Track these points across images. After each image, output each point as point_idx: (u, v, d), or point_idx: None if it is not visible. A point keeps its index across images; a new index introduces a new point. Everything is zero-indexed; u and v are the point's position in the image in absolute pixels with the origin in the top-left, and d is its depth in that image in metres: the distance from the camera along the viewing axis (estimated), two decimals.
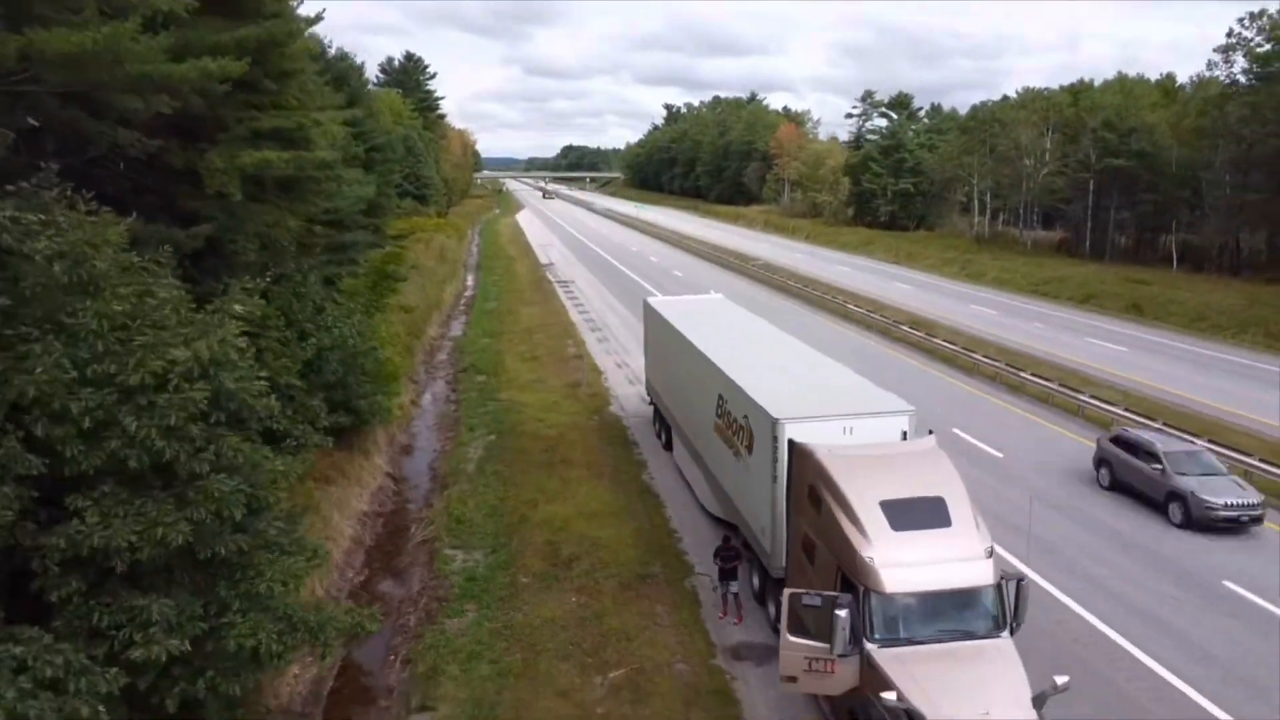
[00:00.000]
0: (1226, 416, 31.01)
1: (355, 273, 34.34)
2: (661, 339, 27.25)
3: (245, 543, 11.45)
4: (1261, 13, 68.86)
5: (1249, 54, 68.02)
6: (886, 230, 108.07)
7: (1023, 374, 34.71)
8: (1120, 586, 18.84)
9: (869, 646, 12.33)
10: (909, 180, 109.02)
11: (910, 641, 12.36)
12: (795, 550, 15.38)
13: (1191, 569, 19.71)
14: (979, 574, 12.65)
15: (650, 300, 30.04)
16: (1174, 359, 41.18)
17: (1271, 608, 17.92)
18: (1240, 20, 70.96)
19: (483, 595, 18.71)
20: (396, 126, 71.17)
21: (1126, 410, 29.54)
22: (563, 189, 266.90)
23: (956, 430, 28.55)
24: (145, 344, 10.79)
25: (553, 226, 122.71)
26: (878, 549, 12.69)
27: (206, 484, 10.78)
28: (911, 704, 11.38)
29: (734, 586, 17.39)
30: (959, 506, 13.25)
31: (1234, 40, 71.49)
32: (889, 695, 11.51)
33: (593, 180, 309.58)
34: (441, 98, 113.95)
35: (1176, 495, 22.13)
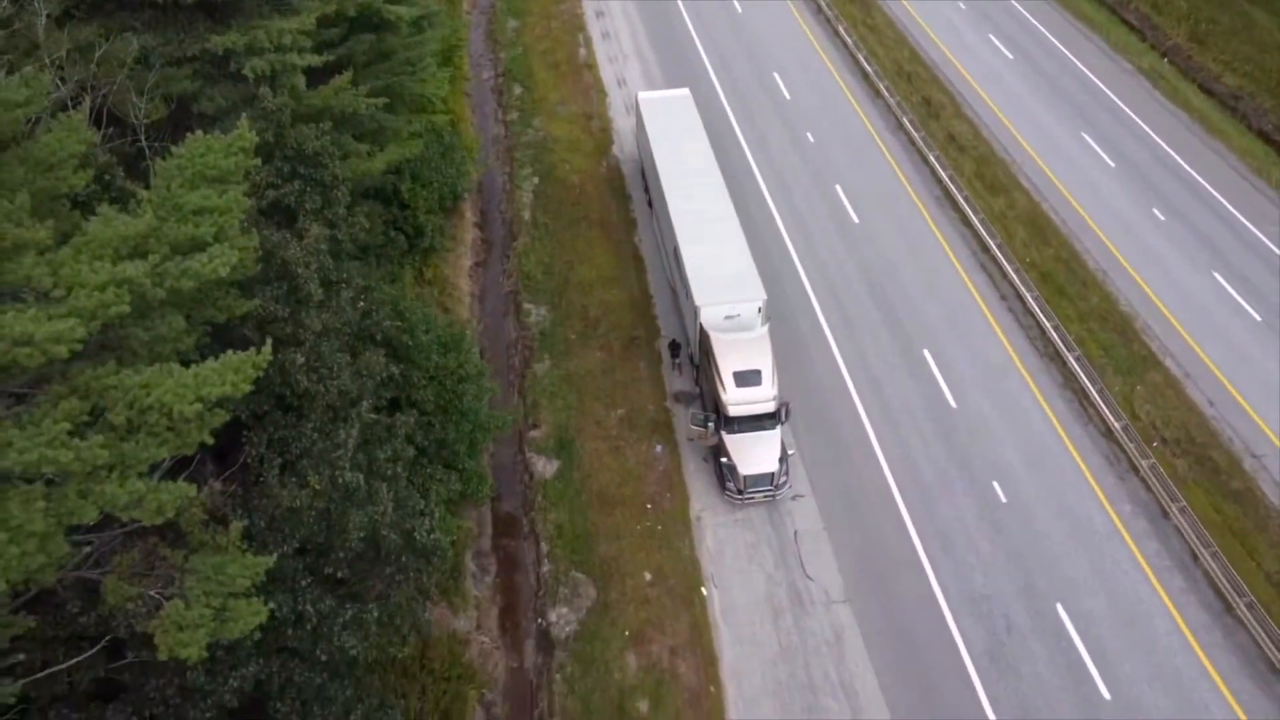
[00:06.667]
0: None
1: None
2: (642, 133, 40.90)
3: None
4: None
5: None
6: None
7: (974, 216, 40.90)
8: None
9: (721, 433, 30.55)
10: None
11: (739, 431, 30.49)
12: (700, 364, 32.84)
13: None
14: (769, 406, 30.44)
15: (640, 96, 42.76)
16: (1155, 198, 42.47)
17: None
18: None
19: (552, 348, 36.39)
20: None
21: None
22: None
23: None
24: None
25: None
26: (729, 395, 30.28)
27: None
28: (733, 461, 30.06)
29: (678, 359, 35.14)
30: (766, 373, 30.55)
31: None
32: (725, 459, 30.16)
33: None
34: None
35: None
